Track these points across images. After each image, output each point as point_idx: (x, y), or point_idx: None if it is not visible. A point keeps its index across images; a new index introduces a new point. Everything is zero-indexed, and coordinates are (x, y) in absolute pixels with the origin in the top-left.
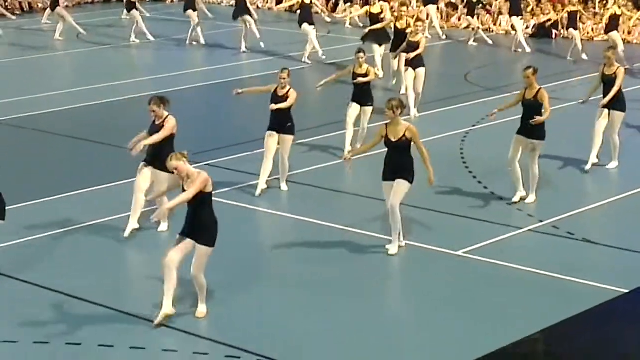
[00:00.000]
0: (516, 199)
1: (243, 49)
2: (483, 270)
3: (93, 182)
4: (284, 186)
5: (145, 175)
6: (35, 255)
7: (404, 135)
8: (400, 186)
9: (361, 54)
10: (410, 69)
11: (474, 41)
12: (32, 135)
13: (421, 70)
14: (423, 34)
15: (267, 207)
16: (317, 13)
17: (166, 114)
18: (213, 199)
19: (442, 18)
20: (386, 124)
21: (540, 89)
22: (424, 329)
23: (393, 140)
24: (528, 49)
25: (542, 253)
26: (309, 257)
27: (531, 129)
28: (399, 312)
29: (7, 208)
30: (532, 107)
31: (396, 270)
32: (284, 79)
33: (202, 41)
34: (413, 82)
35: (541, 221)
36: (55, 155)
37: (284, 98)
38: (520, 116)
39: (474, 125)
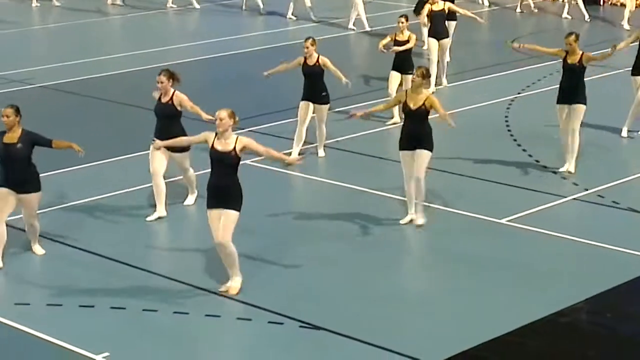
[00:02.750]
0: (564, 168)
1: (289, 15)
2: (527, 239)
3: (141, 147)
4: (321, 152)
5: (160, 159)
6: (80, 220)
7: (423, 104)
8: (423, 157)
9: (402, 19)
10: (434, 39)
11: (520, 8)
12: (81, 100)
13: (445, 41)
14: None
15: (304, 172)
16: None
17: (172, 90)
18: (254, 164)
19: None
20: (406, 91)
21: (583, 53)
22: (467, 298)
23: (412, 108)
24: (587, 17)
25: (587, 222)
26: (347, 222)
27: (571, 95)
28: (442, 281)
29: (56, 172)
30: (574, 72)
31: (439, 238)
32: (308, 48)
33: (261, 5)
34: (437, 52)
35: (586, 190)
36: (105, 120)
37: (314, 67)
38: (557, 86)
39: (519, 93)
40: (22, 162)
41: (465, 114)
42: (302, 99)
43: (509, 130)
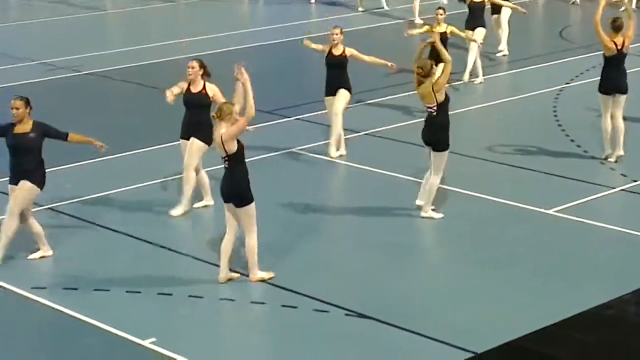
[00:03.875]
0: (612, 158)
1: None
2: (574, 230)
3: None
4: (333, 152)
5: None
6: (125, 207)
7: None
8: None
9: (440, 11)
10: (470, 30)
11: None
12: (123, 87)
13: (480, 30)
14: None
15: (346, 160)
16: None
17: (202, 80)
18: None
19: None
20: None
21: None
22: (512, 288)
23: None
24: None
25: (635, 213)
26: (388, 210)
27: (614, 83)
28: (487, 270)
29: (101, 159)
30: (619, 59)
31: (485, 228)
32: (336, 35)
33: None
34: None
35: (635, 181)
36: (146, 107)
37: (340, 57)
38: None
39: (567, 83)
40: (33, 153)
41: (514, 103)
42: (326, 95)
43: (557, 120)
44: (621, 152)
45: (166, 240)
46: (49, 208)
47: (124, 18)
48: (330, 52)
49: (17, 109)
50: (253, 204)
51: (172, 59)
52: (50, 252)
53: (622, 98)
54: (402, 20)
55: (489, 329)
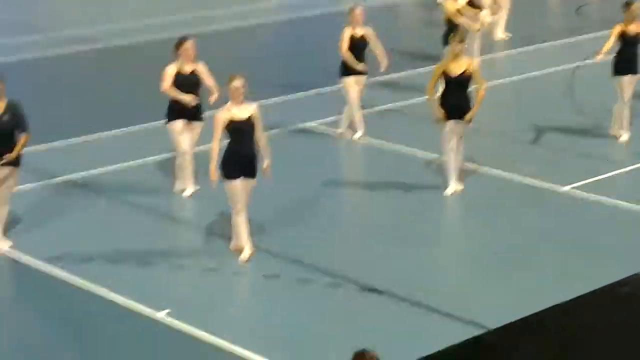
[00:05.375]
0: (624, 138)
1: None
2: (588, 207)
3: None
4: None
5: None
6: (136, 180)
7: (466, 69)
8: (462, 127)
9: None
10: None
11: None
12: (142, 61)
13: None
14: None
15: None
16: None
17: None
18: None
19: None
20: (446, 60)
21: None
22: (528, 265)
23: (456, 73)
24: None
25: None
26: (401, 187)
27: (631, 65)
28: (501, 248)
29: (122, 131)
30: (636, 42)
31: (499, 205)
32: (359, 15)
33: None
34: None
35: None
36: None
37: (363, 38)
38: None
39: (584, 60)
40: (6, 135)
41: (529, 80)
42: (352, 74)
43: (573, 97)
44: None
45: (177, 213)
46: (62, 180)
47: None
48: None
49: None
50: None
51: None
52: (7, 244)
53: (635, 79)
54: None
55: (503, 305)
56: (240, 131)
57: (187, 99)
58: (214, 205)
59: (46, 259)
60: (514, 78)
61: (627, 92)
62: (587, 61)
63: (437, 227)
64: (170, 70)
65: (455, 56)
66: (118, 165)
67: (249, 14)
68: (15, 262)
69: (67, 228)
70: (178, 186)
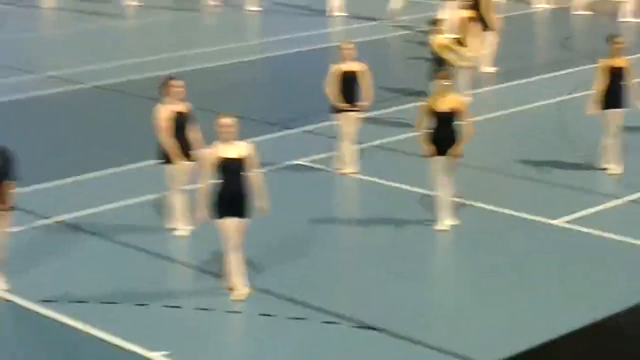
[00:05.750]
0: (617, 171)
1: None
2: (581, 240)
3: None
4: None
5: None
6: (130, 220)
7: (453, 105)
8: (455, 163)
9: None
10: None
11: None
12: (132, 100)
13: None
14: None
15: (361, 173)
16: None
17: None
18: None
19: None
20: (433, 97)
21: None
22: (522, 300)
23: (443, 109)
24: None
25: None
26: (393, 221)
27: (617, 99)
28: (495, 281)
29: (113, 171)
30: (621, 77)
31: (492, 239)
32: (348, 50)
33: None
34: None
35: None
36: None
37: (354, 74)
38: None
39: (571, 93)
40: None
41: (518, 114)
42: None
43: (561, 130)
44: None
45: (170, 252)
46: (55, 221)
47: (131, 30)
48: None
49: None
50: None
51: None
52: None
53: (619, 112)
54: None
55: (497, 340)
56: (229, 170)
57: (175, 154)
58: (207, 244)
59: (40, 300)
60: (503, 112)
61: (612, 126)
62: (574, 94)
63: (430, 261)
64: (164, 113)
65: (442, 93)
66: (110, 205)
67: (237, 50)
68: (9, 304)
69: (61, 269)
70: (171, 225)
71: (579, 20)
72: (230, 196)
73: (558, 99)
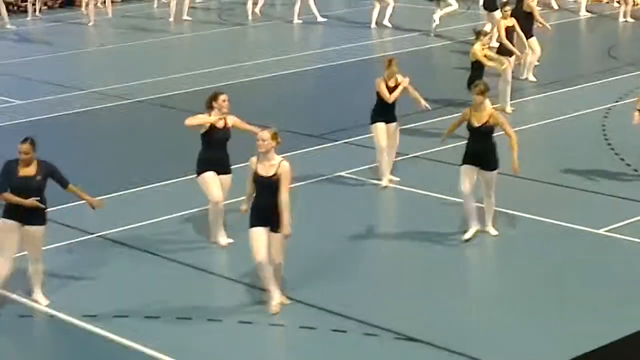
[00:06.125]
0: None
1: (373, 24)
2: (626, 249)
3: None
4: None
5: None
6: (172, 233)
7: (487, 121)
8: (492, 176)
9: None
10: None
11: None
12: (172, 114)
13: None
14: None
15: (397, 183)
16: None
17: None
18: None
19: None
20: (470, 109)
21: None
22: (566, 310)
23: (476, 125)
24: None
25: None
26: (431, 229)
27: None
28: (538, 291)
29: (150, 186)
30: None
31: (535, 248)
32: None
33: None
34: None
35: None
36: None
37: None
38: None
39: (617, 101)
40: (38, 194)
41: (562, 122)
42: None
43: (606, 139)
44: None
45: (211, 265)
46: (97, 236)
47: (157, 47)
48: (387, 84)
49: (25, 153)
50: None
51: (224, 84)
52: (45, 301)
53: None
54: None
55: (541, 351)
56: (262, 186)
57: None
58: (248, 256)
59: (82, 315)
60: (546, 121)
61: None
62: (620, 102)
63: (471, 272)
64: (203, 117)
65: (477, 107)
66: (152, 220)
67: (281, 63)
68: (53, 319)
69: (103, 284)
70: (212, 238)
71: (625, 27)
72: (261, 210)
73: (603, 107)
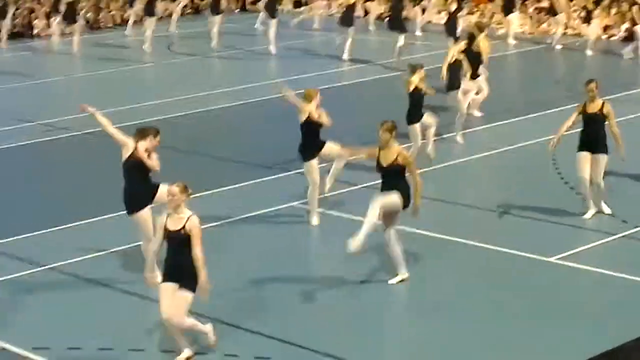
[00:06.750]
0: (588, 215)
1: (345, 56)
2: (576, 277)
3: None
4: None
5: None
6: (124, 265)
7: (395, 159)
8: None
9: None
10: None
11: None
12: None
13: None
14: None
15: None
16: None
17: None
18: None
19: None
20: (379, 148)
21: (604, 102)
22: (518, 337)
23: (384, 165)
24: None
25: (637, 259)
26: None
27: (595, 144)
28: (489, 320)
29: (98, 218)
30: (595, 121)
31: (488, 277)
32: None
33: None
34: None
35: (636, 227)
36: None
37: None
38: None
39: (566, 131)
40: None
41: (511, 152)
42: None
43: (556, 169)
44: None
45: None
46: (49, 268)
47: (112, 78)
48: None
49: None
50: None
51: (165, 117)
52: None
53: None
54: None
55: None
56: (171, 240)
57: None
58: None
59: (33, 348)
60: (497, 150)
61: (585, 170)
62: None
63: (425, 296)
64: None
65: (383, 145)
66: (103, 251)
67: (233, 94)
68: (4, 352)
69: (55, 316)
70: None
71: (563, 56)
72: (171, 265)
73: (551, 136)
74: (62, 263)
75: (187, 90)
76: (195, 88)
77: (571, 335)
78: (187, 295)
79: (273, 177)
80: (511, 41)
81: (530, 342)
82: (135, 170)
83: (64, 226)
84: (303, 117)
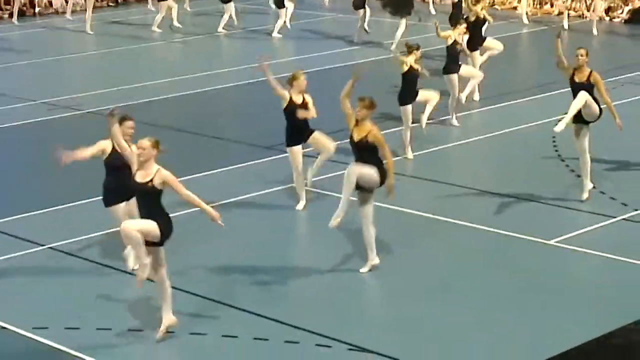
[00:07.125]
0: (586, 194)
1: (356, 39)
2: (576, 260)
3: (187, 172)
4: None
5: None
6: (124, 245)
7: (365, 136)
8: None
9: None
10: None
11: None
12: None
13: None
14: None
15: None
16: None
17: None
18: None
19: (534, 5)
20: (356, 122)
21: (591, 71)
22: (517, 320)
23: (355, 139)
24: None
25: (637, 242)
26: (394, 244)
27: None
28: (488, 302)
29: (98, 198)
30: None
31: (488, 259)
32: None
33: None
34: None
35: (635, 210)
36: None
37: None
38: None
39: (565, 113)
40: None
41: (512, 134)
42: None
43: (556, 151)
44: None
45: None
46: (48, 247)
47: (119, 56)
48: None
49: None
50: None
51: (168, 96)
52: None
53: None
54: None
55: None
56: (140, 195)
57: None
58: (201, 267)
59: (33, 328)
60: (498, 132)
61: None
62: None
63: (423, 280)
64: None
65: (360, 121)
66: (105, 231)
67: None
68: (3, 331)
69: (54, 296)
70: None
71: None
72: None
73: (553, 118)
74: (61, 242)
75: (201, 67)
76: (210, 65)
77: (570, 318)
78: (153, 225)
79: (272, 158)
80: (525, 21)
81: (527, 324)
82: None
83: (62, 206)
84: (284, 103)
